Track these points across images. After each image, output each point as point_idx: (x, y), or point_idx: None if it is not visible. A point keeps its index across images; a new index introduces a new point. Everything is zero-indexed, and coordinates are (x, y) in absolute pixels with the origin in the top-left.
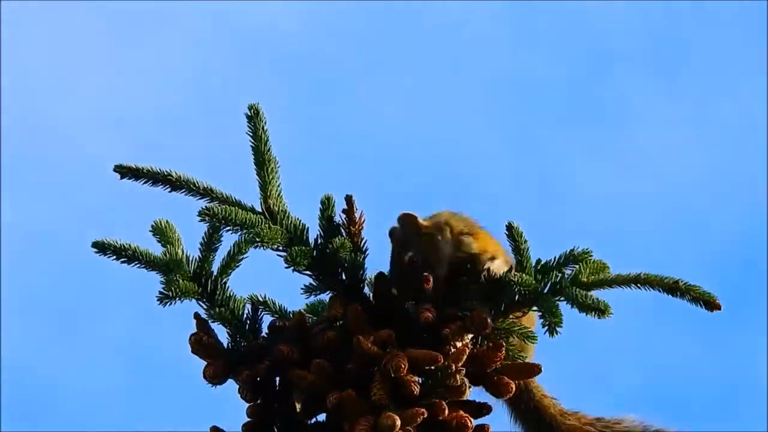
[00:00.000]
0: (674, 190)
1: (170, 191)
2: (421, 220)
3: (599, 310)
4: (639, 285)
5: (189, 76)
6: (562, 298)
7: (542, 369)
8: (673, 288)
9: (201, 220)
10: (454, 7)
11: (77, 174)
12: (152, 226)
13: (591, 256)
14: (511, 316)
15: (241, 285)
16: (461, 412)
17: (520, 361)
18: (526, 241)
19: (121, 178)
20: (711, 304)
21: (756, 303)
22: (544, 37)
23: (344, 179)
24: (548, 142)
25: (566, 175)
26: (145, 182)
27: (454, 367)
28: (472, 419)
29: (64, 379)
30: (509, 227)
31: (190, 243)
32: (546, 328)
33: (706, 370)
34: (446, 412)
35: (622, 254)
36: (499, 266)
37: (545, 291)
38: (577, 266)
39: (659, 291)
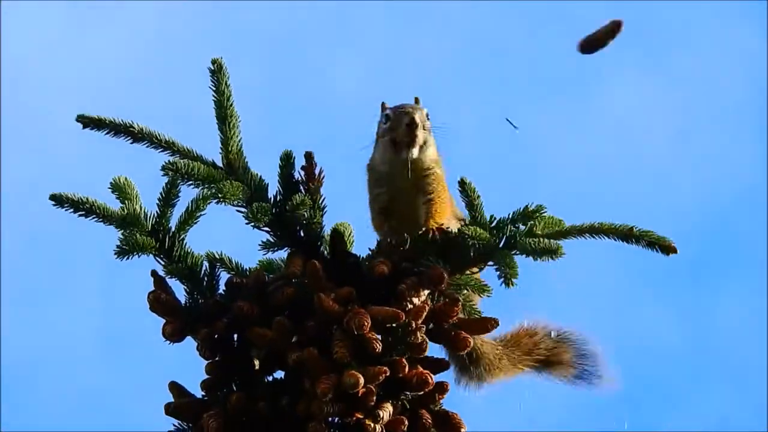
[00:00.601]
0: (641, 150)
1: (132, 143)
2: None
3: (551, 251)
4: (594, 234)
5: (152, 35)
6: (516, 252)
7: (499, 323)
8: (627, 235)
9: (164, 175)
10: None
11: (40, 131)
12: (111, 182)
13: (544, 211)
14: (467, 272)
15: (198, 242)
16: (421, 369)
17: (476, 316)
18: (479, 197)
19: (84, 128)
20: (667, 248)
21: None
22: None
23: (304, 136)
24: (516, 105)
25: (536, 139)
26: (107, 133)
27: (414, 324)
28: (432, 375)
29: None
30: (462, 183)
31: (150, 199)
32: (502, 280)
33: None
34: (407, 369)
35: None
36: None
37: (501, 245)
38: (531, 222)
39: (614, 239)
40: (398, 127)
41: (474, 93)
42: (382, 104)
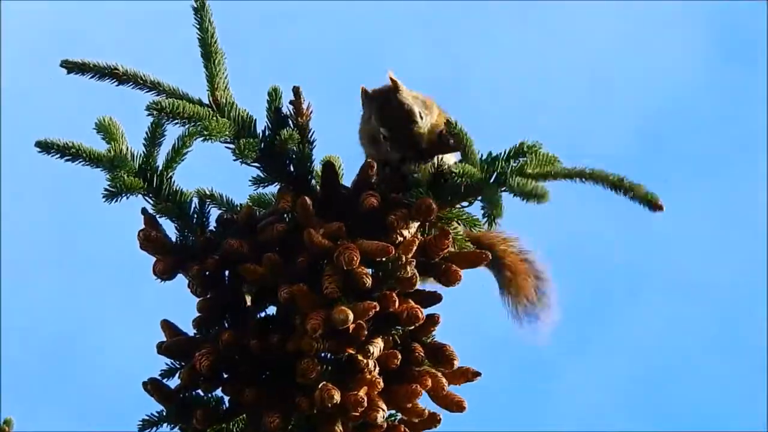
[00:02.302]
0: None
1: (117, 85)
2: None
3: (538, 195)
4: (584, 179)
5: None
6: (505, 189)
7: (490, 257)
8: (617, 185)
9: (149, 114)
10: None
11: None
12: (96, 123)
13: (540, 148)
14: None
15: (187, 180)
16: (411, 303)
17: (467, 249)
18: (466, 134)
19: (68, 72)
20: (654, 205)
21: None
22: None
23: (291, 71)
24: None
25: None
26: (91, 77)
27: (404, 258)
28: (422, 310)
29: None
30: (448, 123)
31: (135, 139)
32: (486, 219)
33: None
34: (397, 303)
35: (547, 131)
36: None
37: (491, 181)
38: (525, 159)
39: (603, 186)
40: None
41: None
42: (363, 90)
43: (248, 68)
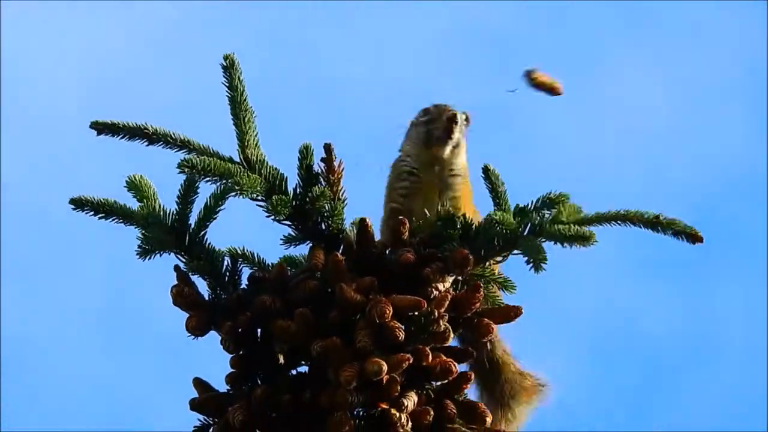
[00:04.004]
0: (639, 136)
1: (147, 145)
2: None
3: (583, 237)
4: (620, 222)
5: (160, 29)
6: (543, 239)
7: (523, 311)
8: (654, 223)
9: (180, 172)
10: None
11: (51, 127)
12: (126, 181)
13: (568, 199)
14: (490, 262)
15: (218, 238)
16: (444, 357)
17: (498, 305)
18: (503, 184)
19: (98, 134)
20: (694, 237)
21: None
22: None
23: (322, 128)
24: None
25: (536, 125)
26: (122, 137)
27: (437, 313)
28: (455, 363)
29: (44, 338)
30: (486, 170)
31: (164, 196)
32: (531, 265)
33: (679, 319)
34: (430, 357)
35: (592, 198)
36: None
37: (525, 232)
38: (555, 209)
39: (640, 227)
40: (437, 120)
41: (474, 83)
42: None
43: (278, 125)
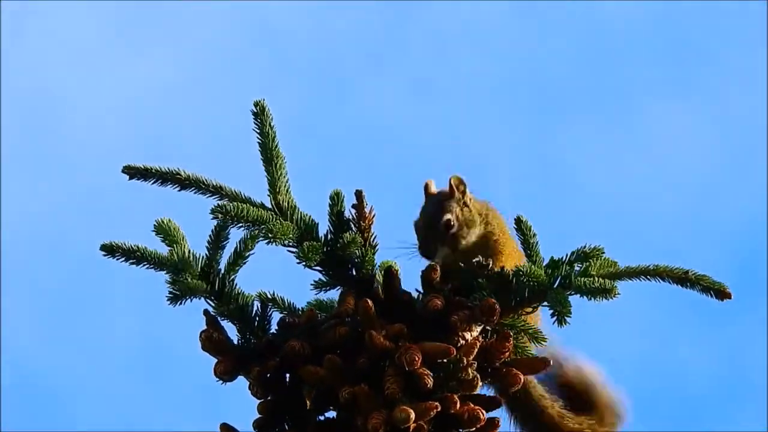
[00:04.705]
0: (683, 180)
1: (180, 190)
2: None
3: (605, 290)
4: (649, 277)
5: (190, 74)
6: (571, 292)
7: (551, 363)
8: (683, 278)
9: (214, 218)
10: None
11: (78, 167)
12: (155, 225)
13: (602, 253)
14: (520, 313)
15: (249, 283)
16: (472, 405)
17: (527, 356)
18: (535, 235)
19: (130, 179)
20: (722, 293)
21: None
22: (548, 26)
23: (351, 175)
24: (556, 133)
25: (575, 167)
26: (153, 182)
27: (465, 360)
28: (484, 411)
29: (73, 380)
30: (518, 221)
31: (192, 240)
32: (555, 318)
33: (706, 366)
34: (458, 405)
35: (633, 247)
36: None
37: (555, 285)
38: (588, 262)
39: (669, 282)
40: (435, 233)
41: (509, 119)
42: (426, 185)
43: (307, 169)
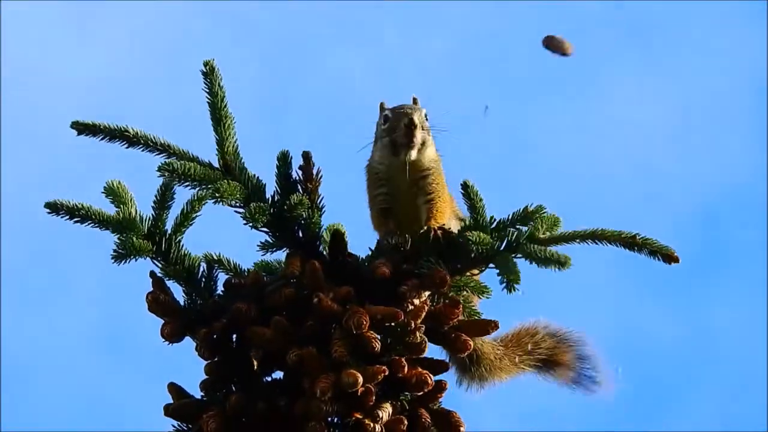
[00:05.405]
0: (638, 149)
1: (127, 147)
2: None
3: (559, 262)
4: (596, 240)
5: (143, 38)
6: (519, 255)
7: (499, 325)
8: (630, 242)
9: (160, 176)
10: None
11: (32, 135)
12: (104, 187)
13: (545, 211)
14: (467, 274)
15: (196, 244)
16: (420, 369)
17: (476, 318)
18: (481, 200)
19: (78, 134)
20: (669, 257)
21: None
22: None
23: (300, 136)
24: (515, 104)
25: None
26: (102, 138)
27: (413, 324)
28: (432, 376)
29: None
30: (465, 186)
31: (143, 201)
32: (504, 285)
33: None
34: (406, 369)
35: (592, 216)
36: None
37: (501, 248)
38: (532, 223)
39: (617, 245)
40: (397, 128)
41: (471, 92)
42: (381, 104)
43: (256, 132)
